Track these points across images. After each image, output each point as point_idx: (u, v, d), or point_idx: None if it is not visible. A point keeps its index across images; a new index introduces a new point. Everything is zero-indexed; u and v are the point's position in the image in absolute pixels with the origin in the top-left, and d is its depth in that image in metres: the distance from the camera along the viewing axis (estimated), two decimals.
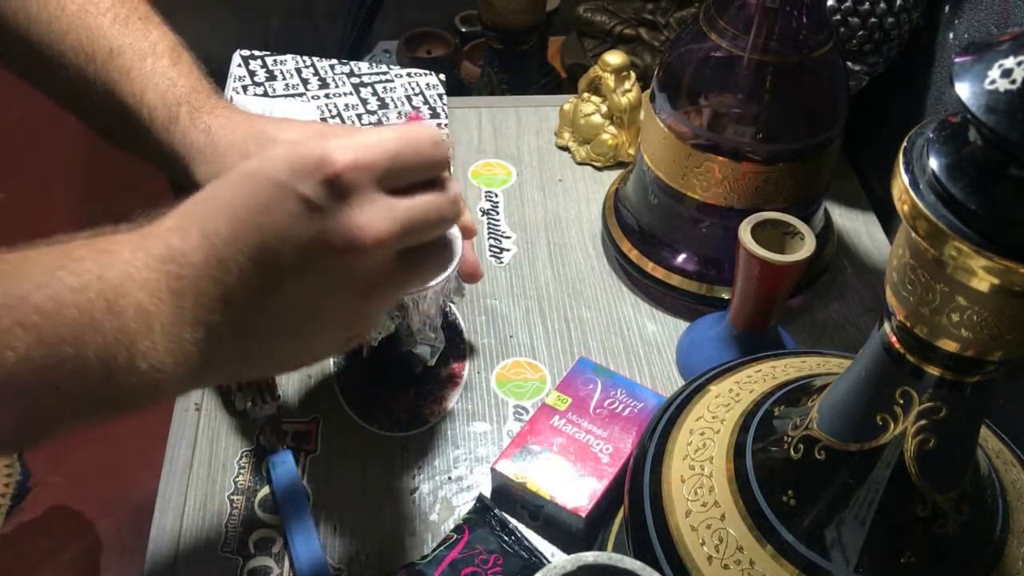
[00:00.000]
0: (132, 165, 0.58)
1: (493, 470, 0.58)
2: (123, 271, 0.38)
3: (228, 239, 0.38)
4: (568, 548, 0.57)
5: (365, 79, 0.83)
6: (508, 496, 0.58)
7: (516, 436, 0.59)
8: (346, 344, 0.46)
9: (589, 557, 0.40)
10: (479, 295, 0.73)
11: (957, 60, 0.32)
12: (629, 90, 0.82)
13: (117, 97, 0.53)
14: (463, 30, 1.24)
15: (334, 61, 0.85)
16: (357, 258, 0.40)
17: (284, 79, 0.82)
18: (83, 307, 0.36)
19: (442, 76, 0.86)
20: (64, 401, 0.37)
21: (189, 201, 0.41)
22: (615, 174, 0.83)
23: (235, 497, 0.59)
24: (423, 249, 0.43)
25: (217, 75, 0.88)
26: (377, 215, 0.40)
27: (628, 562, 0.40)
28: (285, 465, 0.60)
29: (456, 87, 1.09)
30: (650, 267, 0.72)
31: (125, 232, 0.40)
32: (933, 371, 0.37)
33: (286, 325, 0.41)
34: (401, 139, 0.41)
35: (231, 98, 0.79)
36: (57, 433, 0.38)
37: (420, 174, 0.42)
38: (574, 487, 0.56)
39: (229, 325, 0.39)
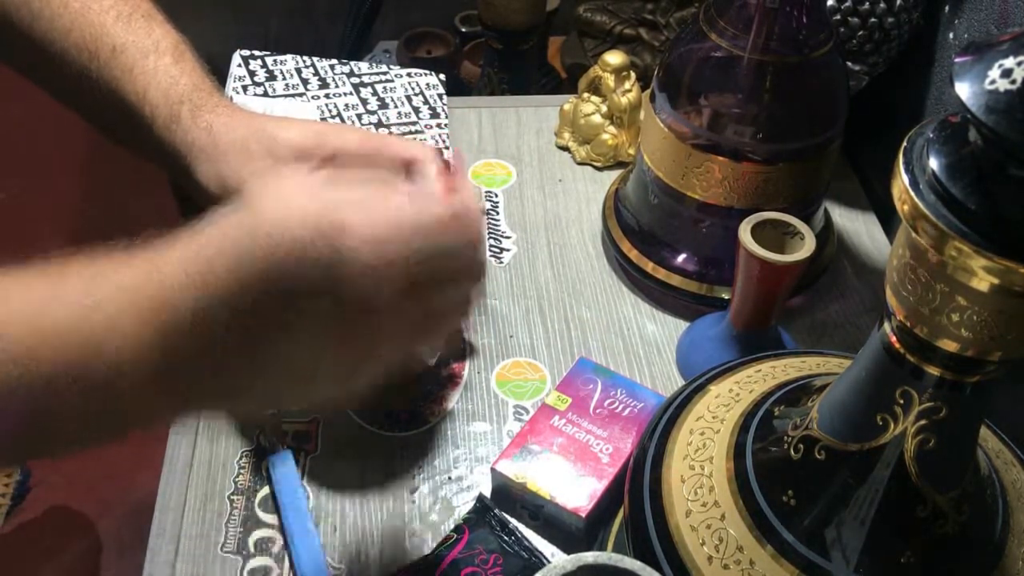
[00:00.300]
0: (133, 165, 0.58)
1: (493, 470, 0.58)
2: (117, 289, 0.37)
3: (235, 285, 0.37)
4: (568, 548, 0.57)
5: (365, 79, 0.83)
6: (508, 496, 0.58)
7: (516, 436, 0.59)
8: (347, 389, 0.43)
9: (589, 557, 0.40)
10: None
11: (957, 60, 0.32)
12: (629, 90, 0.82)
13: (119, 95, 0.52)
14: (463, 30, 1.24)
15: (334, 61, 0.85)
16: (364, 324, 0.38)
17: (284, 79, 0.82)
18: (85, 333, 0.36)
19: (442, 76, 0.86)
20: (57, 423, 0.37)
21: (195, 239, 0.39)
22: (615, 174, 0.83)
23: (235, 497, 0.59)
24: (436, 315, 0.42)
25: (217, 75, 0.87)
26: (390, 301, 0.38)
27: (628, 562, 0.40)
28: (285, 465, 0.60)
29: (456, 87, 1.09)
30: (650, 267, 0.72)
31: (122, 258, 0.38)
32: (933, 371, 0.37)
33: (279, 373, 0.39)
34: (439, 247, 0.39)
35: (231, 98, 0.79)
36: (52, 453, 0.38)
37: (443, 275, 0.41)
38: (574, 487, 0.56)
39: (220, 368, 0.38)
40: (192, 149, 0.51)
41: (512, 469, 0.57)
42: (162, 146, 0.52)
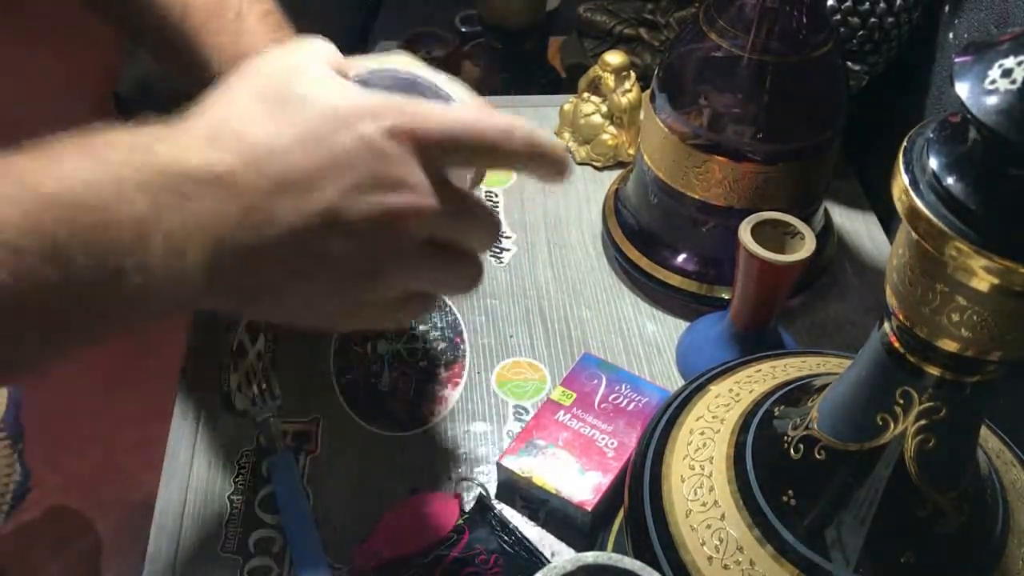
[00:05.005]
0: None
1: (499, 464, 0.58)
2: (117, 174, 0.34)
3: (270, 149, 0.36)
4: (573, 543, 0.57)
5: None
6: (513, 491, 0.58)
7: (521, 431, 0.59)
8: (350, 319, 0.43)
9: (589, 557, 0.40)
10: (479, 295, 0.73)
11: (957, 60, 0.32)
12: (629, 90, 0.82)
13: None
14: (463, 30, 1.24)
15: None
16: (396, 216, 0.38)
17: None
18: (63, 216, 0.33)
19: None
20: (47, 313, 0.34)
21: (210, 107, 0.38)
22: (615, 174, 0.83)
23: (235, 497, 0.59)
24: (454, 256, 0.41)
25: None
26: (424, 183, 0.38)
27: (628, 562, 0.40)
28: (285, 465, 0.60)
29: None
30: (650, 267, 0.72)
31: (121, 133, 0.36)
32: (933, 371, 0.37)
33: (296, 268, 0.38)
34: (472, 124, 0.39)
35: None
36: (43, 351, 0.35)
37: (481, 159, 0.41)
38: (579, 481, 0.56)
39: (239, 252, 0.36)
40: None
41: (518, 464, 0.57)
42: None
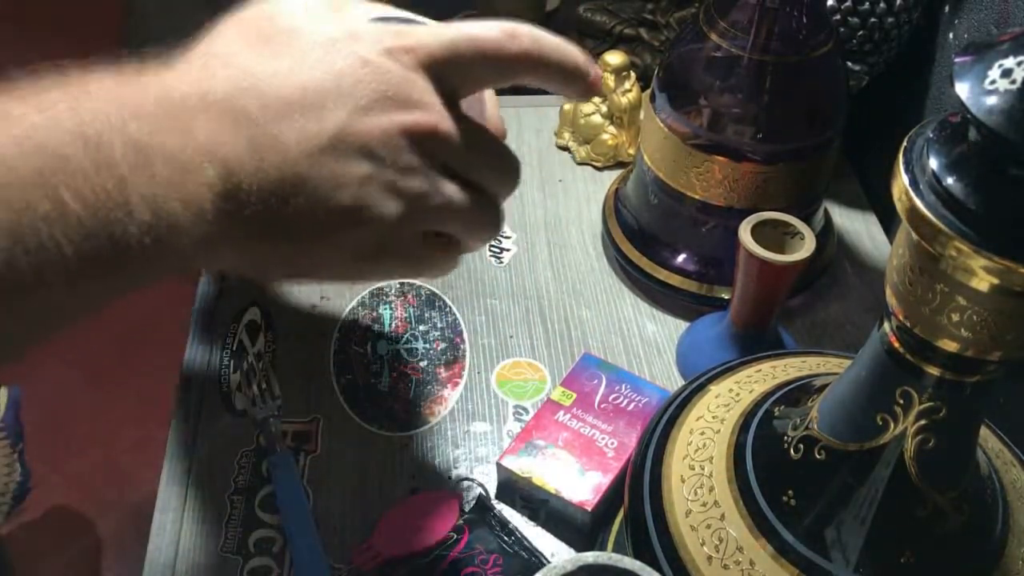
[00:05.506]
0: None
1: (499, 464, 0.58)
2: (107, 99, 0.32)
3: (265, 74, 0.34)
4: (573, 543, 0.57)
5: None
6: (513, 491, 0.58)
7: (521, 431, 0.59)
8: (374, 268, 0.40)
9: (589, 557, 0.40)
10: (479, 295, 0.73)
11: (957, 60, 0.32)
12: (629, 90, 0.82)
13: None
14: None
15: None
16: (411, 132, 0.36)
17: None
18: (52, 147, 0.30)
19: None
20: (35, 267, 0.30)
21: (203, 42, 0.36)
22: (615, 174, 0.83)
23: (235, 497, 0.59)
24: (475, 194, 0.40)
25: None
26: (435, 102, 0.37)
27: (628, 562, 0.40)
28: (285, 465, 0.60)
29: None
30: (650, 267, 0.72)
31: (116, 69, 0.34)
32: (933, 371, 0.37)
33: (314, 198, 0.36)
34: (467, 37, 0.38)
35: None
36: (34, 323, 0.32)
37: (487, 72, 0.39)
38: (579, 481, 0.56)
39: (250, 183, 0.34)
40: None
41: (518, 464, 0.57)
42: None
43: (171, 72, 0.35)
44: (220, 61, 0.35)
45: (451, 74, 0.38)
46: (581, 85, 0.40)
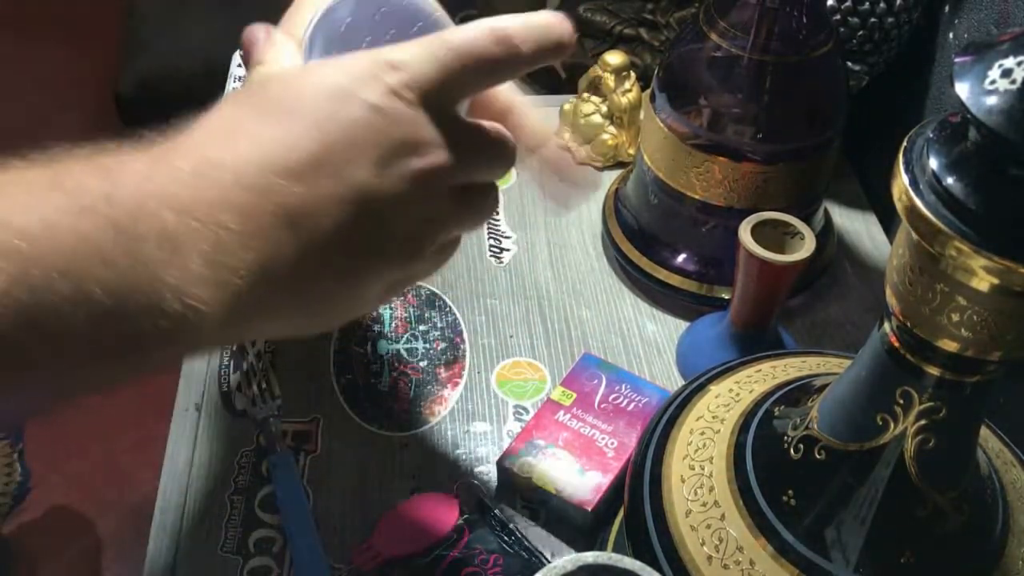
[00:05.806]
0: None
1: (498, 464, 0.58)
2: (139, 188, 0.31)
3: (287, 144, 0.34)
4: (573, 543, 0.57)
5: None
6: (513, 491, 0.58)
7: (522, 431, 0.59)
8: (389, 295, 0.42)
9: (589, 557, 0.40)
10: (479, 295, 0.73)
11: (957, 60, 0.32)
12: (629, 90, 0.82)
13: None
14: None
15: None
16: (428, 177, 0.37)
17: None
18: (84, 232, 0.30)
19: None
20: (57, 353, 0.30)
21: (217, 114, 0.36)
22: (615, 174, 0.83)
23: (235, 497, 0.59)
24: (476, 189, 0.41)
25: (217, 75, 0.88)
26: (438, 138, 0.37)
27: (628, 562, 0.40)
28: (285, 465, 0.60)
29: None
30: (650, 267, 0.72)
31: (136, 149, 0.34)
32: (933, 371, 0.37)
33: (343, 257, 0.36)
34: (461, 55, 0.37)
35: None
36: (48, 399, 0.32)
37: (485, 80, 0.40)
38: (579, 481, 0.56)
39: (281, 251, 0.34)
40: None
41: (518, 464, 0.57)
42: None
43: (210, 145, 0.35)
44: (233, 142, 0.35)
45: (447, 95, 0.38)
46: (565, 53, 0.41)
